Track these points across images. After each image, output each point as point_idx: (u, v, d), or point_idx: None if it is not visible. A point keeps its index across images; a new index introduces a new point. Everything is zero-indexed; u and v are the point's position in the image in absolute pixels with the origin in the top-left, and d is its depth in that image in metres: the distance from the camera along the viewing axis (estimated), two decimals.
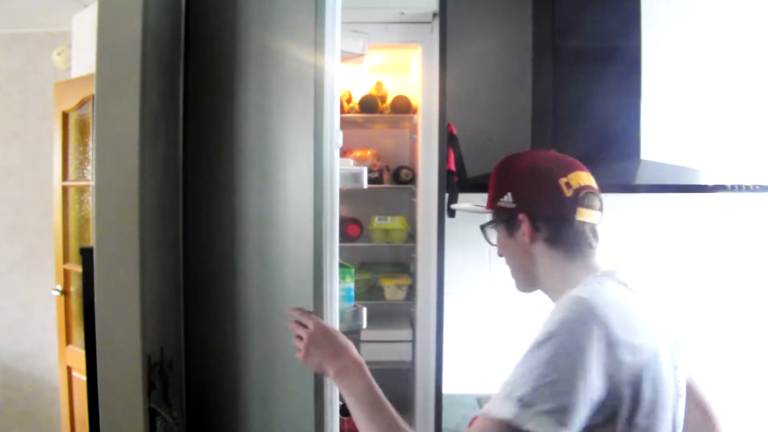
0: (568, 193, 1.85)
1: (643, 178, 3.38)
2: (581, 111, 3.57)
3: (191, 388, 2.48)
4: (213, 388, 2.46)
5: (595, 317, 1.59)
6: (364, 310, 2.62)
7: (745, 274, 3.94)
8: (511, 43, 4.06)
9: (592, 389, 1.54)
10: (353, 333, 3.59)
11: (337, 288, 2.11)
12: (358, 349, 3.67)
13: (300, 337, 2.02)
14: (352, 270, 2.70)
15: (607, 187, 3.35)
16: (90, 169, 4.50)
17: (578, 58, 3.62)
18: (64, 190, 4.66)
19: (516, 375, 1.59)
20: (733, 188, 3.24)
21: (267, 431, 2.30)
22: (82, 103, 4.46)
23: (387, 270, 4.42)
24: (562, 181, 1.85)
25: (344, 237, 4.17)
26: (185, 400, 2.47)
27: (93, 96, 3.26)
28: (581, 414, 1.52)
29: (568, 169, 1.88)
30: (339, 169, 2.10)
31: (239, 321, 2.34)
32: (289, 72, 2.16)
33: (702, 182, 3.34)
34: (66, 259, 4.67)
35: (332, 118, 2.04)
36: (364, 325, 2.60)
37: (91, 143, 4.17)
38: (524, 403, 1.52)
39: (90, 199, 4.44)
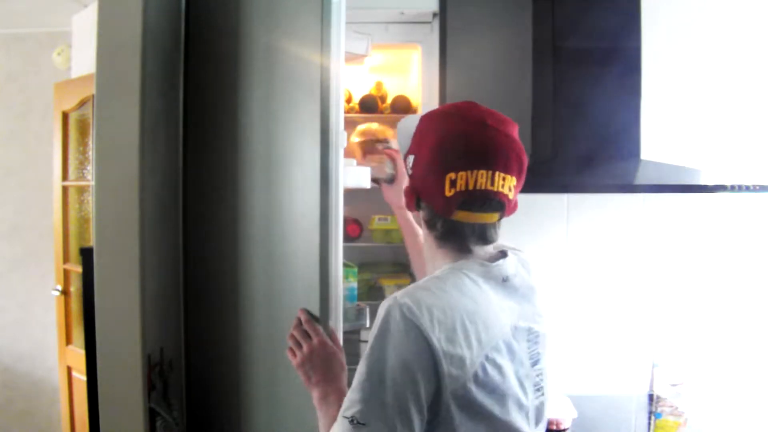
0: (448, 193, 1.71)
1: (643, 178, 3.37)
2: (581, 111, 3.57)
3: (191, 388, 2.49)
4: (213, 388, 2.46)
5: (417, 329, 1.54)
6: (367, 309, 2.63)
7: (745, 274, 3.94)
8: (511, 43, 4.06)
9: (421, 401, 1.53)
10: (354, 332, 3.60)
11: (342, 287, 2.10)
12: (358, 349, 3.68)
13: (296, 339, 2.03)
14: (356, 269, 2.71)
15: (607, 187, 3.39)
16: (90, 169, 4.50)
17: (578, 58, 3.62)
18: (64, 190, 4.65)
19: (352, 388, 1.58)
20: (733, 188, 3.23)
21: (271, 429, 2.31)
22: (82, 103, 4.46)
23: (387, 270, 4.42)
24: (449, 177, 1.71)
25: (344, 237, 4.14)
26: (185, 400, 2.47)
27: (93, 96, 3.26)
28: (416, 425, 1.53)
29: (468, 165, 1.70)
30: (343, 169, 2.09)
31: (242, 320, 2.34)
32: (294, 72, 2.15)
33: (702, 182, 3.34)
34: (66, 259, 4.66)
35: (337, 118, 2.03)
36: (368, 324, 2.61)
37: (91, 143, 4.17)
38: (357, 423, 1.52)
39: (90, 199, 4.44)
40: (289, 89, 2.16)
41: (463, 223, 1.76)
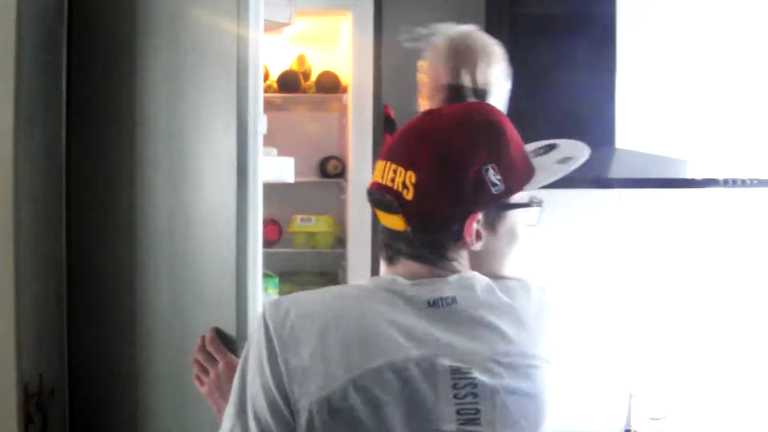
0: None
1: (618, 170, 3.40)
2: (544, 90, 3.56)
3: (75, 421, 2.49)
4: (103, 421, 2.47)
5: (267, 329, 1.57)
6: None
7: (734, 290, 3.93)
8: (459, 8, 4.06)
9: (278, 410, 1.54)
10: None
11: (261, 301, 2.12)
12: None
13: (201, 364, 2.07)
14: (276, 279, 2.74)
15: (574, 181, 3.41)
16: None
17: (540, 26, 3.64)
18: None
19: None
20: (726, 183, 3.23)
21: None
22: None
23: (311, 281, 4.43)
24: None
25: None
26: None
27: None
28: None
29: (381, 154, 1.75)
30: (263, 159, 2.12)
31: (142, 339, 2.36)
32: (204, 45, 2.17)
33: (689, 175, 3.36)
34: None
35: (256, 99, 2.05)
36: None
37: None
38: None
39: None
40: (198, 65, 2.19)
41: (383, 226, 1.73)
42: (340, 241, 4.31)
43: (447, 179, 1.61)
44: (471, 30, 2.01)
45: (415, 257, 1.67)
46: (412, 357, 1.53)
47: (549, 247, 3.80)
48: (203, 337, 2.10)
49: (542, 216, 1.74)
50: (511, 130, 1.71)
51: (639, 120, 3.76)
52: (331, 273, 4.54)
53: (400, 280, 1.64)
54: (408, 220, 1.62)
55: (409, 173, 1.62)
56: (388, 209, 1.65)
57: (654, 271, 3.90)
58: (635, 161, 3.44)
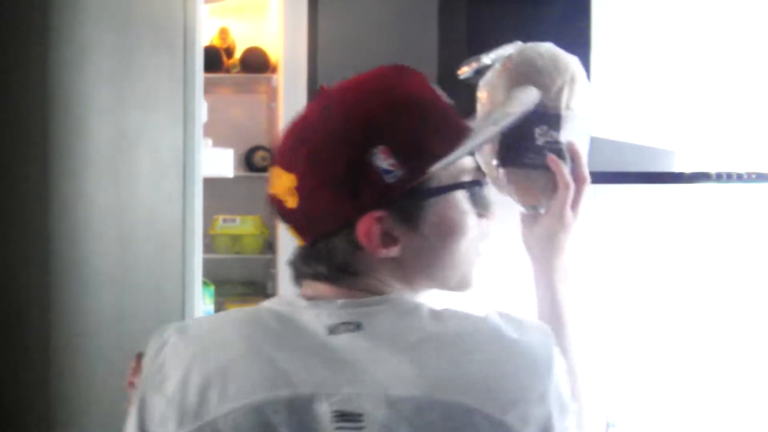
0: None
1: (592, 162, 3.38)
2: None
3: None
4: None
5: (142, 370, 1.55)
6: None
7: (729, 296, 3.96)
8: None
9: None
10: None
11: (203, 310, 2.15)
12: None
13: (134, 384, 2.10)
14: (212, 288, 2.76)
15: None
16: None
17: None
18: None
19: None
20: (719, 177, 3.23)
21: None
22: None
23: (236, 291, 4.44)
24: None
25: None
26: None
27: None
28: None
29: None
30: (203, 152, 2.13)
31: (69, 361, 2.37)
32: (147, 18, 2.18)
33: (675, 169, 3.39)
34: None
35: (200, 83, 2.09)
36: None
37: None
38: None
39: None
40: (134, 38, 2.18)
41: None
42: (269, 245, 4.33)
43: (326, 174, 1.48)
44: (536, 46, 1.95)
45: (316, 276, 1.56)
46: (283, 398, 1.39)
47: (507, 257, 3.79)
48: (138, 356, 2.13)
49: (492, 198, 1.57)
50: (422, 101, 1.52)
51: (617, 104, 3.76)
52: (258, 282, 4.54)
53: (299, 302, 1.53)
54: (298, 231, 1.57)
55: (290, 176, 1.51)
56: (282, 220, 1.60)
57: (634, 281, 3.91)
58: (611, 152, 3.44)
